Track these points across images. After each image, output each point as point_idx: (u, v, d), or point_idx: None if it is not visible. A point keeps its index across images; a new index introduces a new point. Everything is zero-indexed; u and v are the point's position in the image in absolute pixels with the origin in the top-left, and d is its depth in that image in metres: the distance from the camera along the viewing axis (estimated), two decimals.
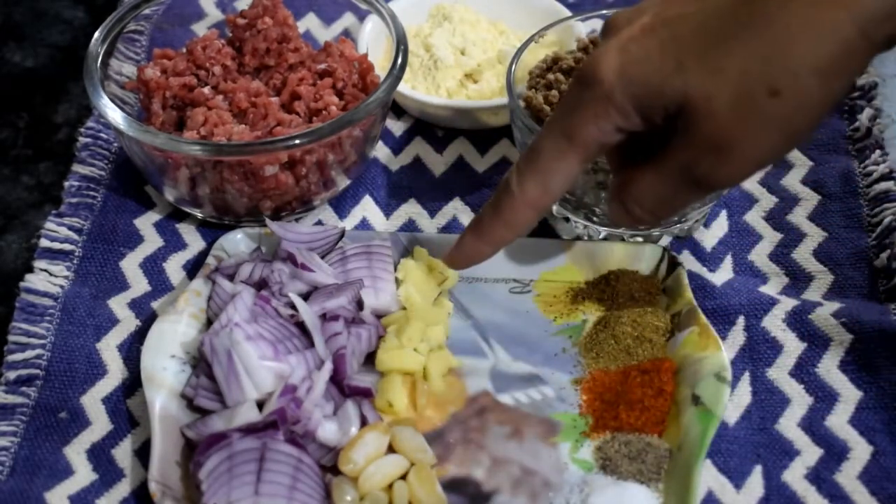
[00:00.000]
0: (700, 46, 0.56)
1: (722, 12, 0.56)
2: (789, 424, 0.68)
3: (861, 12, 0.53)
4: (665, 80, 0.56)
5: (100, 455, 0.67)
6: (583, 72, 0.59)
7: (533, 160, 0.62)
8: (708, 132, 0.56)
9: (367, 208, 0.81)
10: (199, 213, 0.79)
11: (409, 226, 0.80)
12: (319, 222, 0.81)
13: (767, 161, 0.59)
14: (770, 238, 0.78)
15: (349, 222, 0.81)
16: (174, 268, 0.77)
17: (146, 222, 0.80)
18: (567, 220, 0.78)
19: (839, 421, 0.68)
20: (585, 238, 0.78)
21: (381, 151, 0.85)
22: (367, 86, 0.80)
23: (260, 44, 0.80)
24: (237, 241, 0.76)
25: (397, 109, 0.88)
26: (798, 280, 0.76)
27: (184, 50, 0.81)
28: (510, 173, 0.64)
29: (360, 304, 0.71)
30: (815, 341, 0.71)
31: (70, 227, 0.78)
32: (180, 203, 0.79)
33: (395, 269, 0.74)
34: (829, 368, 0.70)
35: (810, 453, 0.66)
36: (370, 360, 0.70)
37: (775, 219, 0.80)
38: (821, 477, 0.65)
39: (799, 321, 0.72)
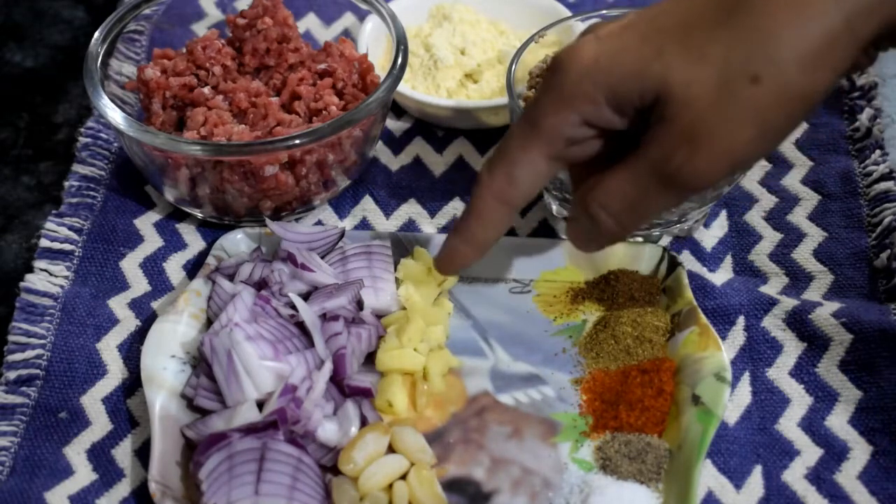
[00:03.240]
0: (682, 33, 0.55)
1: (707, 2, 0.55)
2: (789, 424, 0.68)
3: (847, 2, 0.53)
4: (644, 66, 0.55)
5: (100, 455, 0.67)
6: (555, 60, 0.58)
7: (502, 150, 0.61)
8: (684, 120, 0.55)
9: (367, 208, 0.81)
10: (199, 213, 0.79)
11: (409, 226, 0.80)
12: (319, 222, 0.81)
13: (742, 158, 0.56)
14: (770, 238, 0.78)
15: (349, 222, 0.81)
16: (174, 268, 0.77)
17: (146, 222, 0.80)
18: (567, 219, 0.78)
19: (839, 421, 0.68)
20: None
21: (381, 151, 0.85)
22: (367, 86, 0.80)
23: (260, 44, 0.80)
24: (237, 241, 0.76)
25: (397, 109, 0.88)
26: (798, 280, 0.76)
27: (184, 50, 0.81)
28: (483, 165, 0.63)
29: (360, 304, 0.71)
30: (815, 341, 0.71)
31: (70, 227, 0.78)
32: (180, 203, 0.79)
33: (395, 269, 0.74)
34: (829, 368, 0.70)
35: (810, 453, 0.66)
36: (370, 360, 0.70)
37: (775, 219, 0.80)
38: (821, 477, 0.65)
39: (799, 321, 0.72)
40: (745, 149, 0.56)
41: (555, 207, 0.79)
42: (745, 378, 0.70)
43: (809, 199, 0.81)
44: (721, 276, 0.76)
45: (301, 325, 0.69)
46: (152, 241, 0.79)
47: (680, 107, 0.55)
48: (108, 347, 0.72)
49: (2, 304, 0.75)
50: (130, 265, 0.77)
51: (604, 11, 0.83)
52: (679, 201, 0.59)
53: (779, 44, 0.53)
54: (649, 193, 0.58)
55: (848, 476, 0.65)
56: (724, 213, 0.80)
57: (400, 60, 0.78)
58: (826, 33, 0.53)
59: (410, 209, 0.81)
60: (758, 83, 0.54)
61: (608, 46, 0.57)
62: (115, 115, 0.74)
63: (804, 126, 0.85)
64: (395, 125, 0.87)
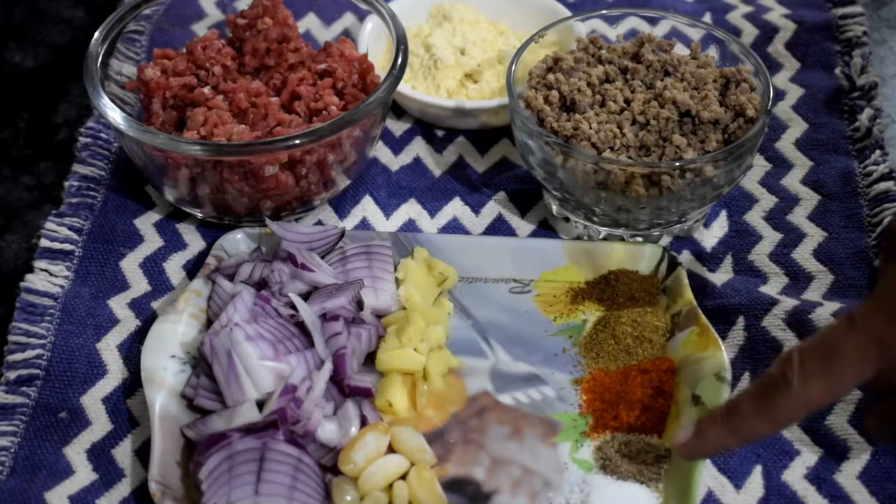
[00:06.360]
0: None
1: None
2: None
3: None
4: None
5: (100, 455, 0.67)
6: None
7: (826, 359, 0.56)
8: None
9: (367, 208, 0.81)
10: (199, 213, 0.79)
11: (409, 226, 0.80)
12: (319, 222, 0.81)
13: None
14: (770, 238, 0.78)
15: (349, 222, 0.81)
16: (174, 268, 0.77)
17: (146, 222, 0.80)
18: (567, 220, 0.78)
19: (839, 421, 0.68)
20: (585, 238, 0.78)
21: (381, 151, 0.85)
22: (367, 86, 0.80)
23: (260, 44, 0.80)
24: (237, 241, 0.76)
25: (397, 109, 0.88)
26: (798, 280, 0.76)
27: (184, 50, 0.81)
28: (788, 366, 0.57)
29: (360, 304, 0.71)
30: None
31: (70, 227, 0.78)
32: (180, 203, 0.79)
33: (395, 269, 0.74)
34: None
35: (810, 453, 0.66)
36: (370, 360, 0.70)
37: (775, 219, 0.80)
38: (821, 477, 0.65)
39: (799, 321, 0.72)
40: None
41: (555, 207, 0.79)
42: (745, 378, 0.70)
43: (809, 199, 0.80)
44: (721, 276, 0.76)
45: (301, 325, 0.69)
46: (152, 241, 0.79)
47: None
48: (108, 347, 0.72)
49: (2, 304, 0.75)
50: (130, 265, 0.77)
51: (604, 11, 0.83)
52: None
53: None
54: None
55: (848, 476, 0.65)
56: (724, 213, 0.80)
57: (400, 60, 0.78)
58: None
59: (410, 209, 0.81)
60: None
61: None
62: (115, 115, 0.74)
63: (804, 126, 0.85)
64: (395, 125, 0.87)
